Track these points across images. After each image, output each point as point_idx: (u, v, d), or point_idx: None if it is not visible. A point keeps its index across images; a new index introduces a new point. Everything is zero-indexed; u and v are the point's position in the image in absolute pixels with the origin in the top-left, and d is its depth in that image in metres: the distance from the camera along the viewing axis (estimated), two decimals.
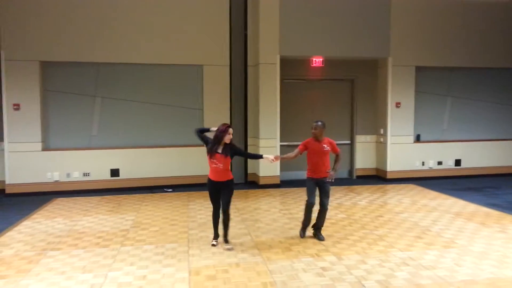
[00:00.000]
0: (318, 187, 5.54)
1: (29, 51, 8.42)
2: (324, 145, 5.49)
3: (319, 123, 5.51)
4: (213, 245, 5.35)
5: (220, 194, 5.28)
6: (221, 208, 5.31)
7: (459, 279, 4.29)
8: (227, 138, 5.17)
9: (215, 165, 5.17)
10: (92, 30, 8.67)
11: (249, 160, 9.54)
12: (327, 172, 5.49)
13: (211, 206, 5.36)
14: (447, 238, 5.60)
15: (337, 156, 5.67)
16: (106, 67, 8.93)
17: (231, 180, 5.29)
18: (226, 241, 5.33)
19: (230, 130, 5.21)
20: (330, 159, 5.62)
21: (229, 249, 5.20)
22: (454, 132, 10.52)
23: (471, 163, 10.42)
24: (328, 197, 5.57)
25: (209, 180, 5.30)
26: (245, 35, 9.49)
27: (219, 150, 5.17)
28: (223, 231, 5.36)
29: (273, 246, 5.33)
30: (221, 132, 5.15)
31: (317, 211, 5.60)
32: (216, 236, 5.45)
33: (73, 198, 8.25)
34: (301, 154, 5.58)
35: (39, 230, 6.08)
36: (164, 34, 8.99)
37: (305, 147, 5.55)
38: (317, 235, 5.62)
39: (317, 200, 5.55)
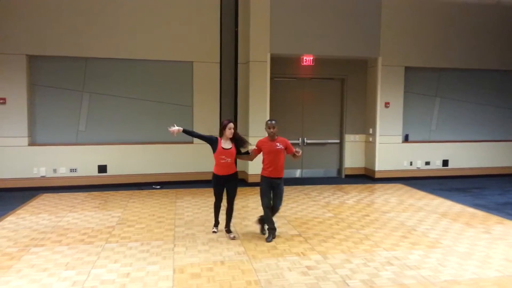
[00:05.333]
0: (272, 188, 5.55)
1: (16, 45, 8.29)
2: (277, 143, 5.49)
3: (274, 121, 5.52)
4: (214, 232, 5.71)
5: (224, 187, 5.53)
6: (227, 200, 5.56)
7: (443, 279, 4.32)
8: (229, 133, 5.38)
9: (223, 160, 5.39)
10: (80, 24, 8.56)
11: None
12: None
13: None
14: (432, 238, 5.64)
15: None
16: (94, 62, 8.83)
17: (236, 173, 5.57)
18: (228, 230, 5.62)
19: (230, 125, 5.42)
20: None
21: (233, 238, 5.48)
22: (442, 132, 10.59)
23: (459, 163, 10.51)
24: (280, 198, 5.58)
25: (215, 175, 5.51)
26: (236, 33, 9.44)
27: (225, 146, 5.39)
28: (226, 221, 5.66)
29: (259, 244, 5.32)
30: (222, 127, 5.42)
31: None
32: (217, 224, 5.79)
33: (60, 194, 8.16)
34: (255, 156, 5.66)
35: (23, 226, 6.00)
36: (154, 30, 8.91)
37: (259, 148, 5.57)
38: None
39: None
